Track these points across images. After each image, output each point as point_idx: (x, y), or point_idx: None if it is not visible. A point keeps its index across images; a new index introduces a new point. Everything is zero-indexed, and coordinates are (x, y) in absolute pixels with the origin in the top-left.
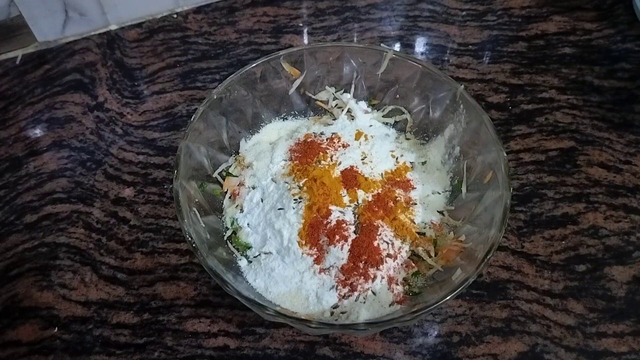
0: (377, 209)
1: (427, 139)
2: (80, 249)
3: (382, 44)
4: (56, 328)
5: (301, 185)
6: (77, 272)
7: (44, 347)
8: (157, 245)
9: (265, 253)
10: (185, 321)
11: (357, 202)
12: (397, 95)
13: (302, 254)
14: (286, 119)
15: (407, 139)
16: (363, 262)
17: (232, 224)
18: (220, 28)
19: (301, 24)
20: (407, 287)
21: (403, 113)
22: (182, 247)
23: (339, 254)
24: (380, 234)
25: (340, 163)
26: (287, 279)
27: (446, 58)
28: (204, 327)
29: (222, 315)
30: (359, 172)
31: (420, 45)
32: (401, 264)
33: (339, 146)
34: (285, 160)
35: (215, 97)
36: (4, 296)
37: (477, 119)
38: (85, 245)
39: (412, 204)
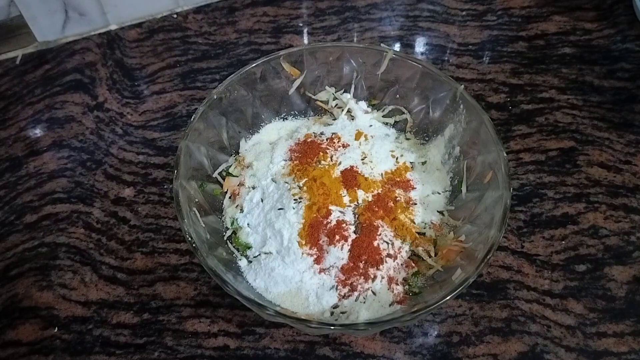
0: (377, 209)
1: (427, 139)
2: (80, 249)
3: (382, 44)
4: (56, 328)
5: (301, 185)
6: (77, 272)
7: (44, 347)
8: (157, 245)
9: (265, 253)
10: (185, 321)
11: (357, 202)
12: (397, 95)
13: (302, 254)
14: (286, 119)
15: (407, 139)
16: (363, 262)
17: (232, 224)
18: (220, 28)
19: (301, 24)
20: (407, 287)
21: (403, 113)
22: (182, 247)
23: (339, 254)
24: (380, 234)
25: (340, 163)
26: (287, 279)
27: (446, 58)
28: (204, 327)
29: (222, 315)
30: (359, 172)
31: (420, 45)
32: (401, 264)
33: (339, 146)
34: (285, 160)
35: (215, 97)
36: (4, 296)
37: (477, 119)
38: (85, 245)
39: (412, 204)
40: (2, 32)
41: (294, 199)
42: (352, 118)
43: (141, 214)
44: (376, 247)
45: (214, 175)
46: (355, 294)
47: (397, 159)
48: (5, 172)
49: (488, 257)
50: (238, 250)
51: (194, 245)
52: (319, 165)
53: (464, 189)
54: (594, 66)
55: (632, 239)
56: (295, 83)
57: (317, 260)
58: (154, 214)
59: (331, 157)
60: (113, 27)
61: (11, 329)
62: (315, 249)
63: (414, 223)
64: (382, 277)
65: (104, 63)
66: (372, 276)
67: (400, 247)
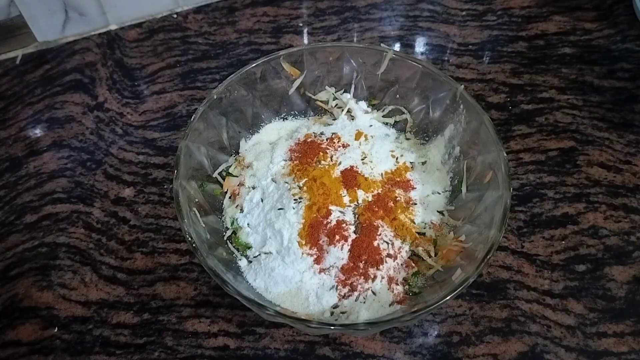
0: (377, 209)
1: (427, 139)
2: (80, 249)
3: (382, 44)
4: (56, 328)
5: (301, 185)
6: (77, 272)
7: (44, 347)
8: (157, 245)
9: (265, 253)
10: (185, 321)
11: (357, 202)
12: (397, 95)
13: (302, 254)
14: (286, 119)
15: (407, 139)
16: (363, 262)
17: (232, 224)
18: (220, 28)
19: (301, 24)
20: (407, 287)
21: (403, 113)
22: (182, 247)
23: (339, 254)
24: (380, 234)
25: (340, 163)
26: (287, 279)
27: (446, 58)
28: (204, 327)
29: (222, 315)
30: (359, 172)
31: (420, 45)
32: (401, 264)
33: (339, 146)
34: (285, 160)
35: (215, 97)
36: (4, 296)
37: (477, 119)
38: (85, 245)
39: (412, 204)
40: (2, 32)
41: (294, 199)
42: (352, 118)
43: (141, 214)
44: (376, 247)
45: (214, 175)
46: (355, 294)
47: (397, 159)
48: (5, 172)
49: (488, 257)
50: (238, 250)
51: (194, 245)
52: (319, 165)
53: (464, 189)
54: (594, 66)
55: (632, 239)
56: (295, 83)
57: (317, 260)
58: (154, 214)
59: (331, 157)
60: (113, 27)
61: (11, 329)
62: (315, 249)
63: (414, 223)
64: (382, 277)
65: (104, 63)
66: (372, 276)
67: (400, 247)
